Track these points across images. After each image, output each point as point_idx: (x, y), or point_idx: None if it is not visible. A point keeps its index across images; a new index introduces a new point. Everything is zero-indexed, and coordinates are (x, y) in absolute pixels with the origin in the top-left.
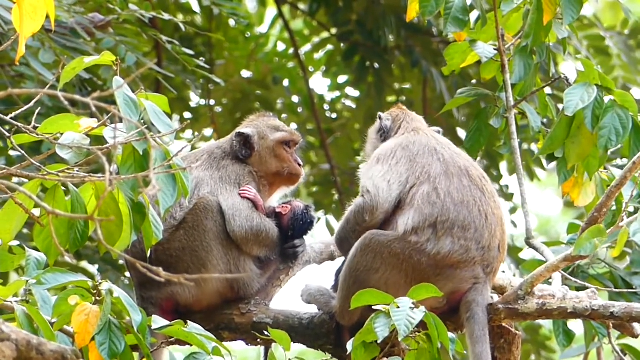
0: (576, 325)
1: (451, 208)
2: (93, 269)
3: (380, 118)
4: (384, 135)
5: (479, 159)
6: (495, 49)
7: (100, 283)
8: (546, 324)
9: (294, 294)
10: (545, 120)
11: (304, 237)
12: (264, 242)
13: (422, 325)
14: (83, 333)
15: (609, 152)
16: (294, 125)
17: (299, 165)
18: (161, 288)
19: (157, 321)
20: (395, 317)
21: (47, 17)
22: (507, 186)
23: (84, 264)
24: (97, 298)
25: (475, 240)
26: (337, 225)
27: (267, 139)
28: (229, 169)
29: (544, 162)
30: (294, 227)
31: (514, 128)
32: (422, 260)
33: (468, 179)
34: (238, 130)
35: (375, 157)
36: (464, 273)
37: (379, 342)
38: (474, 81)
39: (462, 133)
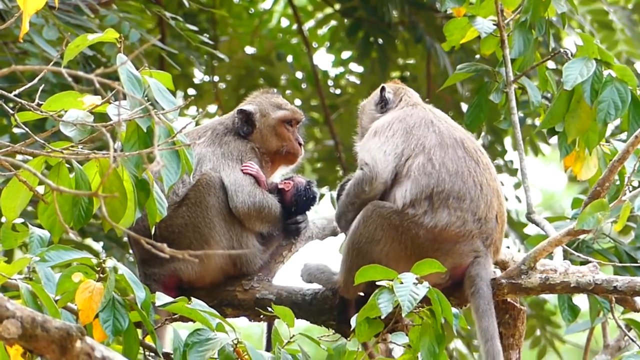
0: (581, 300)
1: (446, 178)
2: (97, 246)
3: (383, 89)
4: (385, 107)
5: (483, 134)
6: (494, 24)
7: (104, 260)
8: (551, 299)
9: (296, 271)
10: (549, 95)
11: (307, 212)
12: (267, 218)
13: (426, 300)
14: (87, 310)
15: (609, 126)
16: (297, 102)
17: (300, 144)
18: (164, 265)
19: (161, 298)
20: (399, 293)
21: None
22: (511, 161)
23: (89, 241)
24: (101, 275)
25: (471, 211)
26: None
27: (269, 117)
28: (231, 145)
29: (547, 136)
30: (296, 203)
31: (513, 103)
32: (420, 233)
33: (463, 150)
34: (240, 107)
35: (373, 130)
36: (463, 247)
37: (382, 317)
38: (477, 56)
39: (466, 108)
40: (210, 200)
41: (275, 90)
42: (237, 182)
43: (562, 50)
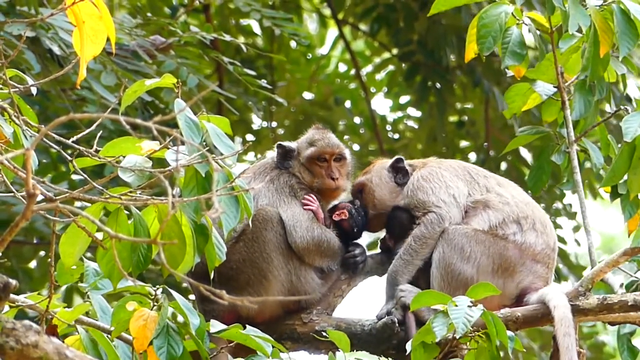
0: None
1: (525, 207)
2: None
3: (400, 160)
4: (405, 177)
5: None
6: (555, 87)
7: (158, 288)
8: (610, 342)
9: (355, 304)
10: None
11: (364, 241)
12: (326, 252)
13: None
14: (141, 338)
15: None
16: (356, 147)
17: (333, 179)
18: None
19: (215, 325)
20: (453, 315)
21: (108, 39)
22: (570, 205)
23: (147, 288)
24: (155, 304)
25: (551, 237)
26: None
27: (302, 154)
28: (281, 180)
29: (608, 197)
30: (356, 226)
31: (575, 162)
32: (508, 246)
33: (514, 187)
34: (281, 141)
35: (419, 179)
36: (540, 269)
37: (437, 341)
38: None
39: (524, 152)
40: (267, 235)
41: (322, 126)
42: (295, 217)
43: (622, 107)
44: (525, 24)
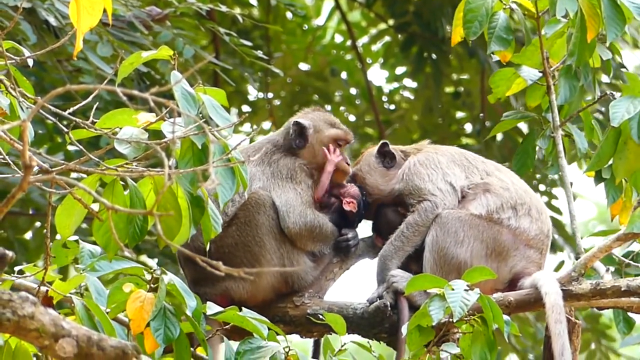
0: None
1: (523, 194)
2: (152, 263)
3: (385, 145)
4: (393, 161)
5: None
6: (540, 72)
7: (154, 270)
8: (606, 312)
9: (347, 287)
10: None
11: (357, 229)
12: (318, 237)
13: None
14: (138, 319)
15: None
16: (352, 118)
17: (347, 163)
18: (215, 284)
19: (212, 307)
20: (450, 299)
21: (105, 11)
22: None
23: (143, 257)
24: (152, 285)
25: (545, 224)
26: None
27: (322, 133)
28: (280, 163)
29: (593, 183)
30: (359, 219)
31: (560, 147)
32: (502, 230)
33: (512, 174)
34: (295, 119)
35: (416, 163)
36: (533, 254)
37: (433, 325)
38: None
39: (521, 123)
40: (260, 218)
41: (326, 107)
42: (289, 202)
43: (608, 92)
44: (512, 9)
